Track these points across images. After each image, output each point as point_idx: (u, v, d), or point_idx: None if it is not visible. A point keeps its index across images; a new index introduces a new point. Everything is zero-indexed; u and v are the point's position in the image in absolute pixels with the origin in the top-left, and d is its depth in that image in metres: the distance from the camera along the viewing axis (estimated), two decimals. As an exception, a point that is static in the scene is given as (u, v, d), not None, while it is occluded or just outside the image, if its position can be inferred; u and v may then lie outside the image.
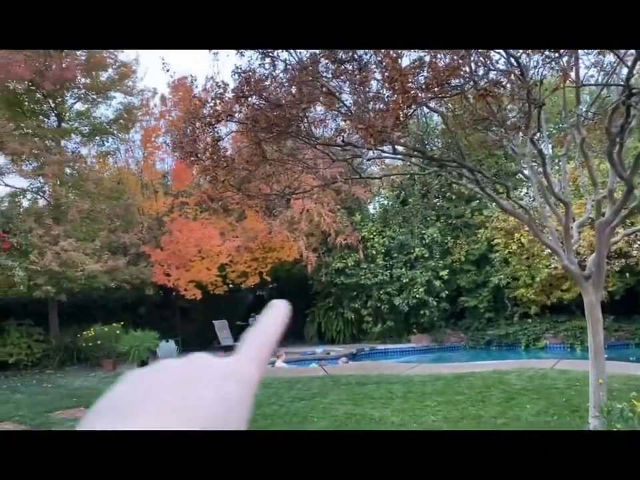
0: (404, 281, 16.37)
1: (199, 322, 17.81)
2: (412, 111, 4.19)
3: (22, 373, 13.99)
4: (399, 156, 6.31)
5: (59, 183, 14.72)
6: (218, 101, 5.17)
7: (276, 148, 6.19)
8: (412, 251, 16.51)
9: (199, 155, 5.41)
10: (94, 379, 12.39)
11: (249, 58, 5.29)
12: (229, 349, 15.06)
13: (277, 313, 0.43)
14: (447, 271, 16.45)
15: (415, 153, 5.63)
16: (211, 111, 5.16)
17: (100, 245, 14.30)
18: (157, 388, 0.35)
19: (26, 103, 15.02)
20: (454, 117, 5.74)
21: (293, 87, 5.61)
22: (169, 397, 0.34)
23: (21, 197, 15.34)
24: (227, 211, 6.13)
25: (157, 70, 31.80)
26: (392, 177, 16.39)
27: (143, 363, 13.42)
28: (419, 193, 16.30)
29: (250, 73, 5.07)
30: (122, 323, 14.68)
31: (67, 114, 15.66)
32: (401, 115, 3.84)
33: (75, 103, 15.84)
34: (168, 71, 7.48)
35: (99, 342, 13.90)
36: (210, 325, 16.14)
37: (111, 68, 15.61)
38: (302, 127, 5.41)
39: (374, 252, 16.66)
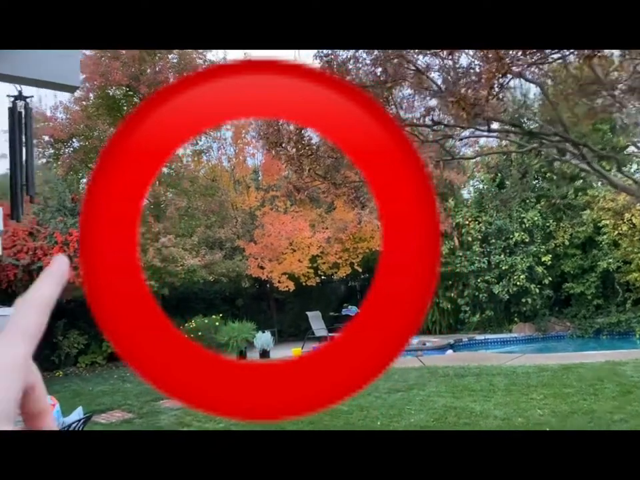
0: (503, 267, 15.62)
1: (293, 313, 18.04)
2: (508, 80, 3.84)
3: (131, 363, 14.81)
4: (494, 133, 5.90)
5: (157, 182, 15.39)
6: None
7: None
8: (511, 236, 15.72)
9: (283, 145, 5.34)
10: (196, 369, 12.84)
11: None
12: (322, 340, 15.13)
13: (51, 270, 0.40)
14: (550, 256, 15.51)
15: (512, 128, 5.22)
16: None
17: (197, 240, 14.81)
18: None
19: (125, 108, 15.80)
20: (554, 87, 5.26)
21: (378, 68, 5.38)
22: None
23: (124, 197, 16.21)
24: (313, 201, 6.03)
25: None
26: (487, 158, 15.67)
27: (241, 354, 13.76)
28: (517, 174, 15.46)
29: (332, 56, 4.90)
30: (221, 314, 15.13)
31: (163, 116, 16.32)
32: (496, 85, 3.51)
33: (169, 104, 16.47)
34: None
35: (199, 333, 14.42)
36: (304, 316, 16.27)
37: (200, 68, 16.05)
38: (387, 108, 5.17)
39: (470, 239, 16.04)
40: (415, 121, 5.71)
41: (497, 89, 3.57)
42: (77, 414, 4.84)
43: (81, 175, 15.46)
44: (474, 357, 12.00)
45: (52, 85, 2.56)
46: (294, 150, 5.25)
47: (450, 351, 13.42)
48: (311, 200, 6.17)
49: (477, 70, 3.97)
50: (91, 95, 15.12)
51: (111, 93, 15.08)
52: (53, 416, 0.41)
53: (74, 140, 15.00)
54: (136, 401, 9.83)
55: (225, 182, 16.99)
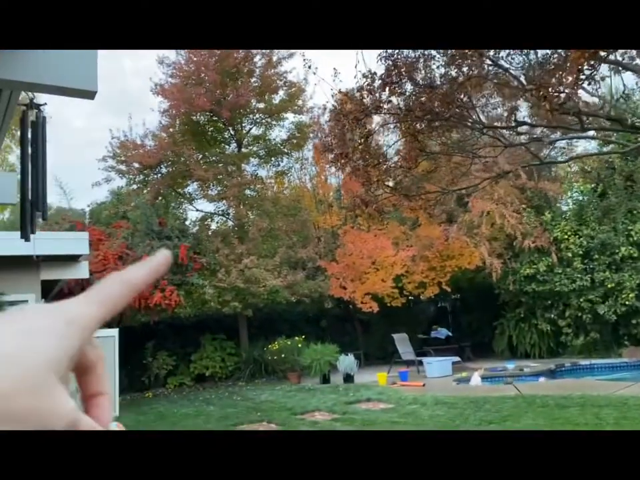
0: (609, 285, 14.20)
1: (379, 335, 17.43)
2: (599, 64, 3.21)
3: (217, 385, 14.84)
4: (589, 133, 5.17)
5: (240, 204, 15.51)
6: (365, 93, 4.65)
7: (438, 140, 5.47)
8: (617, 250, 14.29)
9: (349, 156, 4.94)
10: (279, 392, 12.59)
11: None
12: (410, 364, 14.40)
13: (151, 259, 0.41)
14: (664, 272, 13.92)
15: (610, 125, 4.49)
16: (358, 105, 4.66)
17: (279, 260, 14.69)
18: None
19: (209, 133, 16.15)
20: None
21: (453, 69, 4.88)
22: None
23: (209, 220, 16.48)
24: (381, 214, 5.59)
25: (325, 86, 32.52)
26: (586, 166, 14.43)
27: (325, 377, 13.36)
28: (621, 182, 14.07)
29: (397, 56, 4.46)
30: (304, 336, 14.86)
31: (245, 139, 16.51)
32: (585, 67, 2.89)
33: (252, 128, 16.64)
34: (310, 67, 7.39)
35: (282, 355, 14.21)
36: (391, 338, 15.64)
37: (281, 90, 16.13)
38: (464, 112, 4.64)
39: (570, 254, 14.75)
40: (497, 123, 5.12)
41: (588, 71, 2.96)
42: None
43: (168, 199, 15.92)
44: (578, 385, 10.85)
45: (69, 91, 2.34)
46: (360, 161, 4.85)
47: (542, 379, 12.25)
48: (380, 214, 5.71)
49: (561, 54, 3.37)
50: (177, 121, 15.59)
51: (195, 119, 15.46)
52: (109, 407, 0.39)
53: (162, 166, 15.48)
54: (216, 425, 9.67)
55: (307, 201, 16.86)
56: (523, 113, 5.67)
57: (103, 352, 0.39)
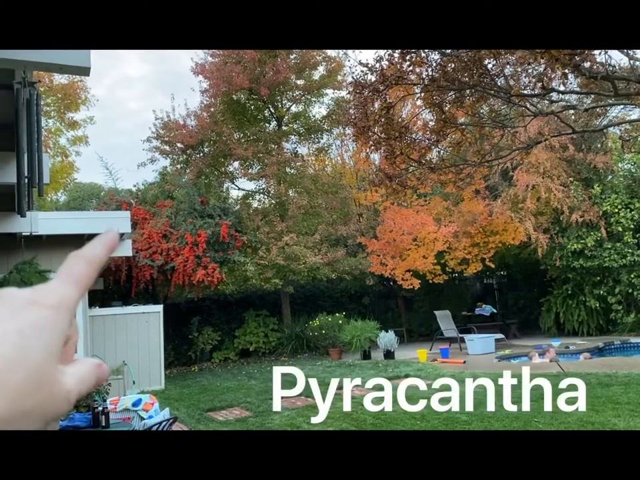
0: (662, 261, 13.58)
1: (423, 312, 17.31)
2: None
3: (260, 360, 15.14)
4: (625, 101, 4.90)
5: (280, 182, 15.58)
6: (385, 63, 4.53)
7: (465, 110, 5.30)
8: (671, 224, 13.63)
9: (370, 129, 4.85)
10: (319, 367, 12.72)
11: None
12: (453, 341, 14.25)
13: (104, 237, 0.42)
14: None
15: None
16: (378, 76, 4.55)
17: (319, 238, 14.72)
18: None
19: (249, 111, 16.22)
20: None
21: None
22: None
23: (250, 198, 16.64)
24: (405, 188, 5.44)
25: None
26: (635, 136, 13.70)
27: (365, 353, 13.40)
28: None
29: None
30: (344, 312, 14.91)
31: (285, 117, 16.48)
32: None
33: (291, 105, 16.59)
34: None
35: (323, 331, 14.33)
36: (434, 315, 15.50)
37: (320, 65, 15.97)
38: (486, 79, 4.47)
39: (620, 229, 14.15)
40: (525, 90, 4.91)
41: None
42: (162, 415, 4.78)
43: (210, 178, 16.14)
44: (625, 363, 10.49)
45: (67, 68, 2.38)
46: (382, 134, 4.75)
47: (586, 354, 11.90)
48: (404, 188, 5.56)
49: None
50: (217, 101, 15.70)
51: (235, 98, 15.53)
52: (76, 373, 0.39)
53: (203, 146, 15.67)
54: (256, 398, 9.88)
55: (347, 178, 16.77)
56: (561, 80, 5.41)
57: (77, 326, 0.40)
